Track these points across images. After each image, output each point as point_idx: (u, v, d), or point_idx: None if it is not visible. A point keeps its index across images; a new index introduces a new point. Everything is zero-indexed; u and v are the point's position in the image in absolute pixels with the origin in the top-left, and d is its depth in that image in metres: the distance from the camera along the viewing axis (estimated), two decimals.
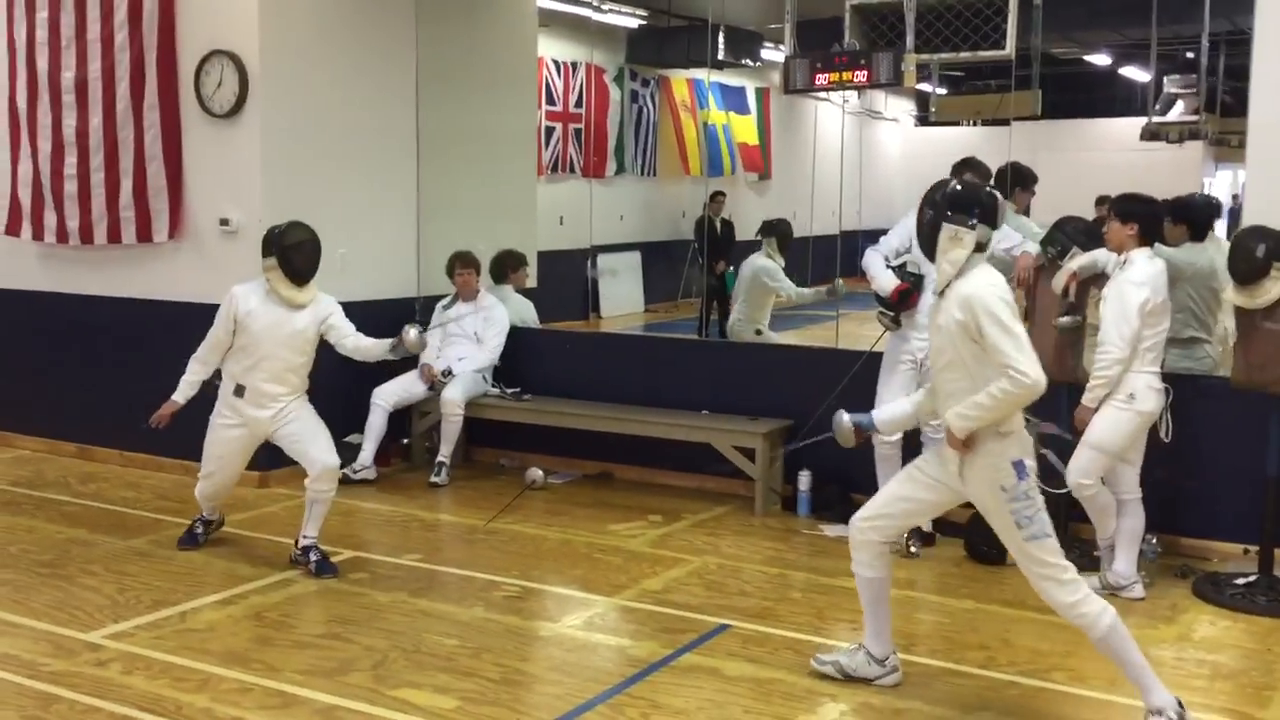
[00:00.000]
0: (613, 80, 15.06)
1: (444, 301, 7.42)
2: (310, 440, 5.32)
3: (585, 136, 14.60)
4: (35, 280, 7.55)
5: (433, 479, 6.98)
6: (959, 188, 3.83)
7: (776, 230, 8.69)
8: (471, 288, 7.36)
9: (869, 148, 18.74)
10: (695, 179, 15.57)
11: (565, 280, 12.95)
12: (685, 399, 6.87)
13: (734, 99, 17.38)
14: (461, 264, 7.33)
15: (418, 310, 7.68)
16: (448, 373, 7.15)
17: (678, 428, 6.53)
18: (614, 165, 15.17)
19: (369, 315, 7.42)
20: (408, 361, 7.33)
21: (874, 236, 6.43)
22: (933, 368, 3.97)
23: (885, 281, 5.65)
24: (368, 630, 4.58)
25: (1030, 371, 3.55)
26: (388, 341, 5.39)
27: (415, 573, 5.36)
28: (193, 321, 6.05)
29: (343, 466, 6.90)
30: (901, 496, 4.00)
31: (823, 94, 15.00)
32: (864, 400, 5.84)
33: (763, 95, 17.91)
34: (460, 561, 5.52)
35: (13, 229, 7.45)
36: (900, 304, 5.62)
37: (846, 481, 6.33)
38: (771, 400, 6.65)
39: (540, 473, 6.90)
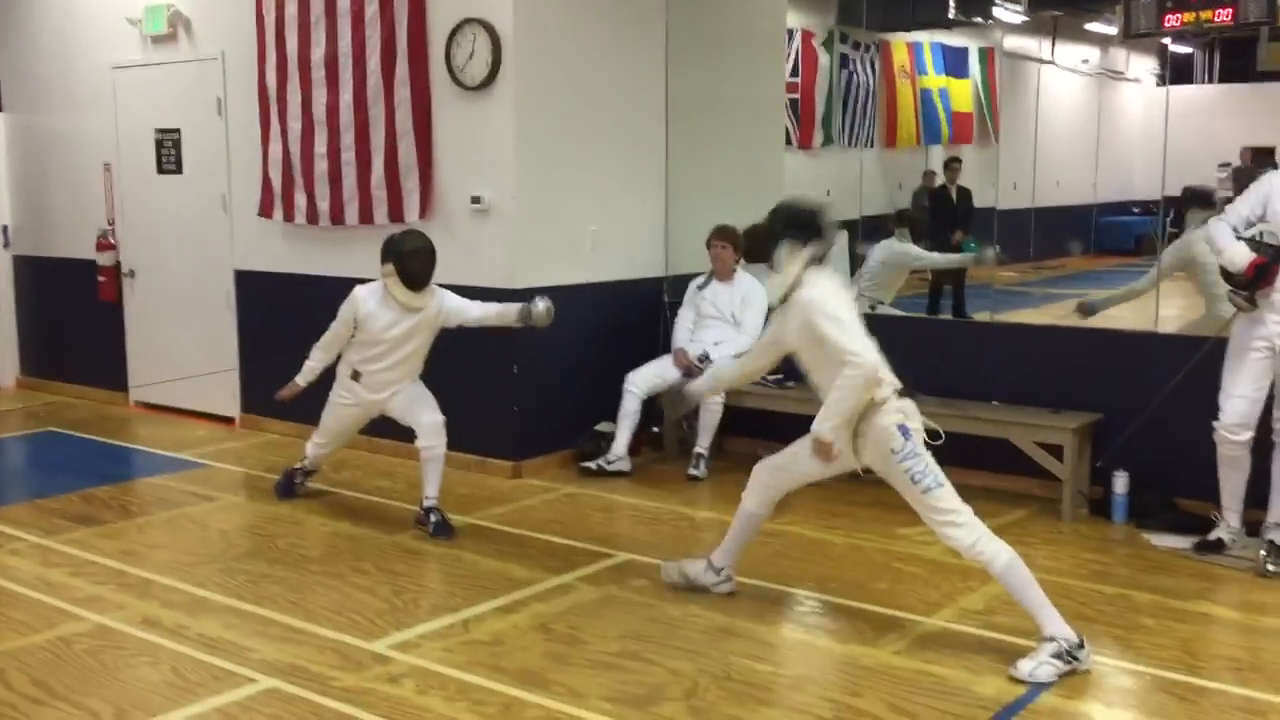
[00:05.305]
0: (820, 45, 14.33)
1: (697, 280, 6.96)
2: (418, 405, 5.60)
3: (800, 107, 13.96)
4: (283, 263, 7.44)
5: (691, 471, 6.54)
6: (791, 209, 4.25)
7: (908, 219, 8.98)
8: (727, 265, 6.85)
9: (1108, 113, 17.42)
10: (913, 150, 14.74)
11: None
12: (968, 387, 6.22)
13: (955, 61, 16.37)
14: (718, 236, 6.82)
15: (666, 289, 7.26)
16: (704, 358, 6.68)
17: (970, 421, 5.86)
18: (821, 136, 14.46)
19: (620, 295, 7.08)
20: (663, 346, 6.96)
21: (1113, 209, 5.68)
22: (802, 367, 4.34)
23: (1236, 255, 4.86)
24: (667, 650, 4.15)
25: (860, 351, 3.99)
26: (515, 308, 5.50)
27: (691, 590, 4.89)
28: None
29: (595, 458, 6.66)
30: (798, 456, 4.42)
31: (1048, 57, 14.00)
32: (1205, 394, 5.10)
33: (986, 56, 16.83)
34: (745, 568, 4.99)
35: (265, 211, 7.34)
36: (1256, 280, 4.84)
37: (1169, 485, 5.60)
38: (1074, 391, 5.94)
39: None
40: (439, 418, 5.55)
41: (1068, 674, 3.87)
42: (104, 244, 8.47)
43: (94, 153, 8.54)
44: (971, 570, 4.89)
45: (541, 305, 5.42)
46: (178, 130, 7.96)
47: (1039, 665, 3.87)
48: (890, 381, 4.11)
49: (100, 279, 8.50)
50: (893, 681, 3.87)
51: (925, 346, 6.64)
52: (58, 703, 3.76)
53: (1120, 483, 5.59)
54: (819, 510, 5.82)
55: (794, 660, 4.12)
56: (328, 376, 5.79)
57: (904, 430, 4.04)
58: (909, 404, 4.11)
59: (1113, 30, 14.16)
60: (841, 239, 14.49)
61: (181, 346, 8.14)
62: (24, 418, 8.38)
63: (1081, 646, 3.91)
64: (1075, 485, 5.68)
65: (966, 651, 4.12)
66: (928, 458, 4.07)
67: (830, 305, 4.08)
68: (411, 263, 5.35)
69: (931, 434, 4.13)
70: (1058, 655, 3.88)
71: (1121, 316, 6.68)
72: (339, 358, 5.70)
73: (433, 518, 5.51)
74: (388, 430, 6.07)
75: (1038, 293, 12.23)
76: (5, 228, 9.28)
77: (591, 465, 6.60)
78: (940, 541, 4.20)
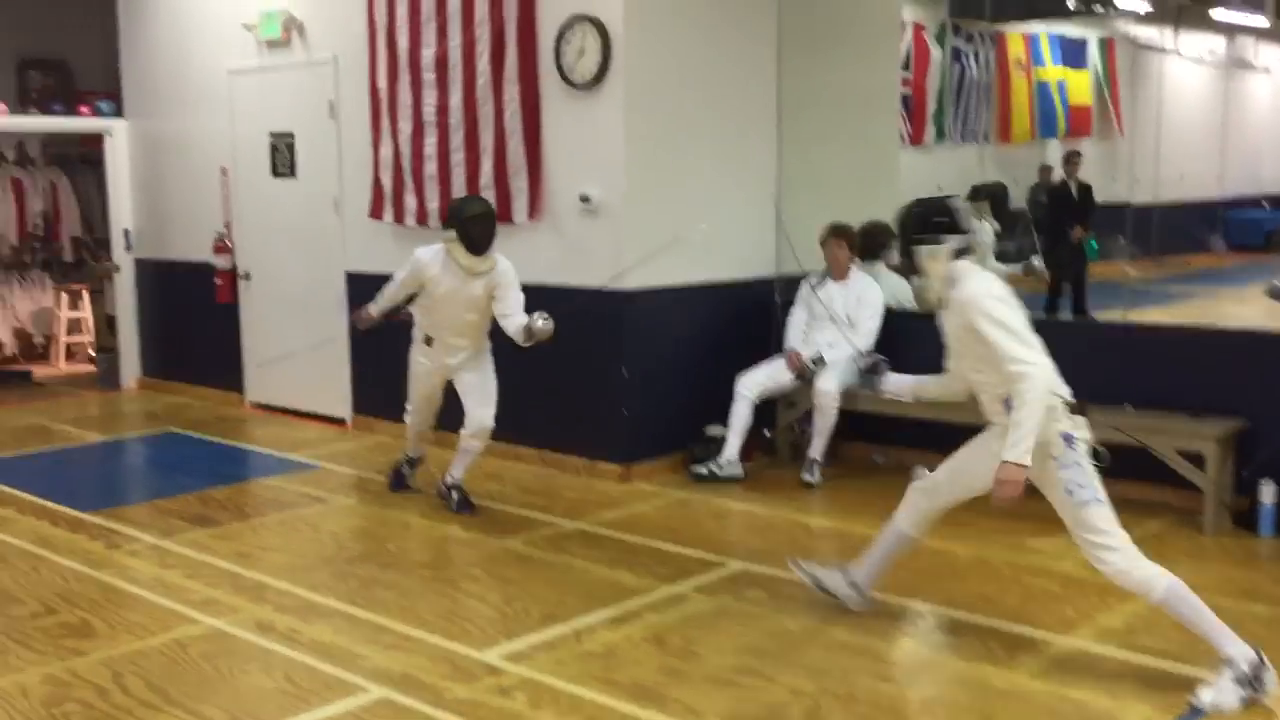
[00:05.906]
0: (933, 38, 13.97)
1: (812, 280, 6.76)
2: (477, 394, 5.75)
3: (911, 102, 13.62)
4: (393, 264, 7.36)
5: (805, 477, 6.36)
6: (918, 210, 4.05)
7: (989, 193, 8.04)
8: (842, 264, 6.65)
9: (1235, 104, 16.63)
10: (1028, 144, 14.27)
11: None
12: (1095, 391, 5.89)
13: (1073, 52, 15.82)
14: (833, 234, 6.63)
15: (777, 290, 7.08)
16: (818, 360, 6.49)
17: (1104, 428, 5.55)
18: (933, 131, 14.11)
19: (730, 296, 6.91)
20: (774, 347, 6.78)
21: (1240, 204, 5.31)
22: (957, 366, 4.07)
23: None
24: (786, 666, 3.98)
25: (1028, 358, 3.70)
26: (522, 332, 5.42)
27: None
28: (552, 303, 5.65)
29: (706, 461, 6.51)
30: (960, 469, 4.13)
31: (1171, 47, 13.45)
32: None
33: (1106, 46, 16.23)
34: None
35: (376, 213, 7.36)
36: None
37: None
38: (1214, 396, 5.60)
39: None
40: (490, 422, 5.73)
41: (1254, 699, 3.60)
42: (220, 247, 8.61)
43: (211, 157, 8.69)
44: (1110, 586, 4.60)
45: (539, 322, 5.35)
46: (291, 134, 8.04)
47: (1221, 693, 3.60)
48: (1061, 391, 3.82)
49: (217, 282, 8.64)
50: (1028, 706, 3.65)
51: (1052, 349, 6.34)
52: (173, 709, 3.75)
53: (1268, 493, 5.25)
54: (941, 520, 5.57)
55: (921, 680, 3.93)
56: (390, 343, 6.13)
57: (1067, 438, 3.75)
58: (1079, 419, 3.83)
59: (1242, 18, 13.51)
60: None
61: (295, 348, 8.21)
62: (144, 418, 8.56)
63: (1263, 663, 3.63)
64: (1218, 496, 5.35)
65: (1107, 676, 3.88)
66: (1090, 471, 3.76)
67: (991, 305, 3.76)
68: (474, 228, 5.47)
69: (1097, 454, 3.82)
70: (1240, 680, 3.60)
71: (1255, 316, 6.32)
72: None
73: (455, 495, 5.83)
74: (500, 432, 6.00)
75: (1165, 291, 11.72)
76: (127, 231, 9.52)
77: (703, 470, 6.46)
78: (1087, 561, 3.90)
